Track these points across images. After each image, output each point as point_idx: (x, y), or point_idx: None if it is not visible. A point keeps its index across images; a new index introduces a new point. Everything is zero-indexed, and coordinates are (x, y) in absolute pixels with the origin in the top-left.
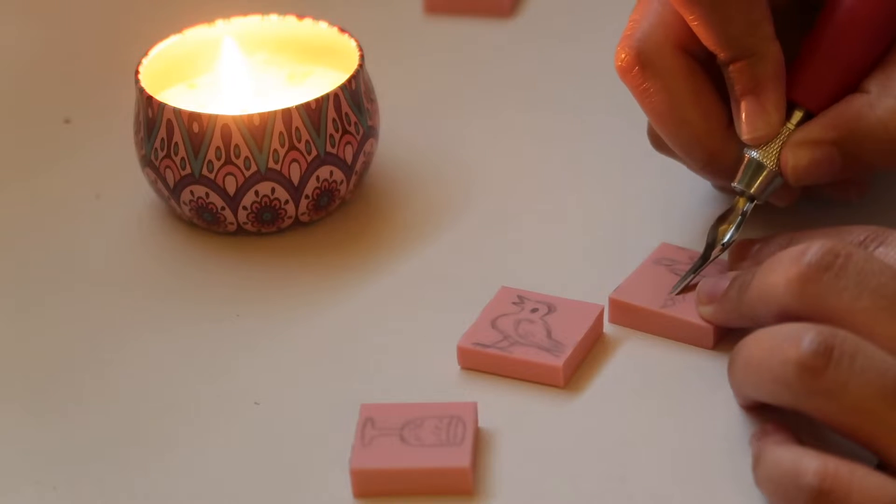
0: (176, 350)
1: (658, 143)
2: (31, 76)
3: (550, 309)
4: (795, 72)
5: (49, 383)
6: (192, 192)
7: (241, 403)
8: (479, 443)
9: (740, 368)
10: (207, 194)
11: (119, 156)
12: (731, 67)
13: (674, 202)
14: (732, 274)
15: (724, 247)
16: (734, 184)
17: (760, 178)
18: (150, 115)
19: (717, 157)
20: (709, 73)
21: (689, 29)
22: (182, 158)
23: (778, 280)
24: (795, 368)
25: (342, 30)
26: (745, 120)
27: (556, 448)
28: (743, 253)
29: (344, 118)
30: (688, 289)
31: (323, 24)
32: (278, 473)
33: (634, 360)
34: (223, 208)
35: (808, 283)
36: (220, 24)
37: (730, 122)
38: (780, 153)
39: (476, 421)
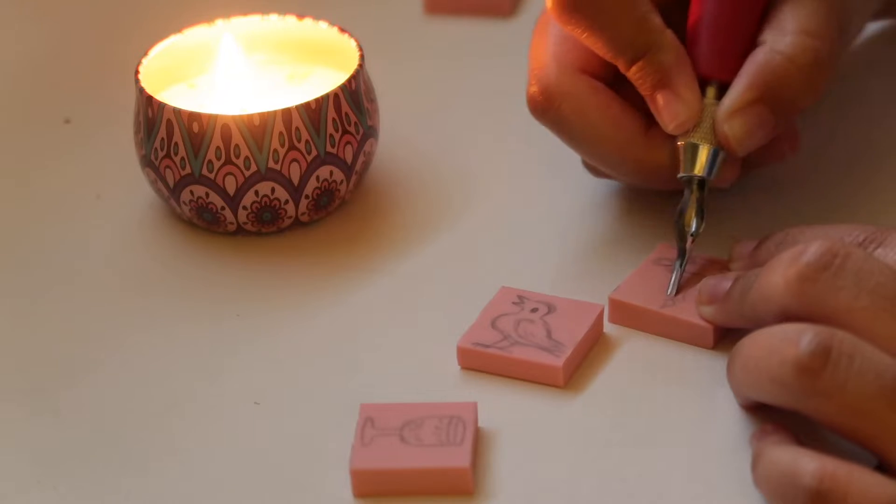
0: (176, 350)
1: (593, 168)
2: (31, 76)
3: (550, 309)
4: (692, 48)
5: (49, 383)
6: (192, 192)
7: (241, 403)
8: (479, 443)
9: (739, 369)
10: (207, 194)
11: (119, 156)
12: (633, 70)
13: (673, 202)
14: (733, 274)
15: (694, 237)
16: (680, 175)
17: (702, 158)
18: (150, 115)
19: (645, 163)
20: (614, 88)
21: (585, 51)
22: (182, 158)
23: (777, 280)
24: (793, 369)
25: (342, 30)
26: (664, 112)
27: (556, 448)
28: (742, 252)
29: (344, 118)
30: (682, 288)
31: (323, 24)
32: (278, 473)
33: (634, 360)
34: (223, 208)
35: (807, 283)
36: (220, 24)
37: (647, 126)
38: (713, 129)
39: (476, 421)
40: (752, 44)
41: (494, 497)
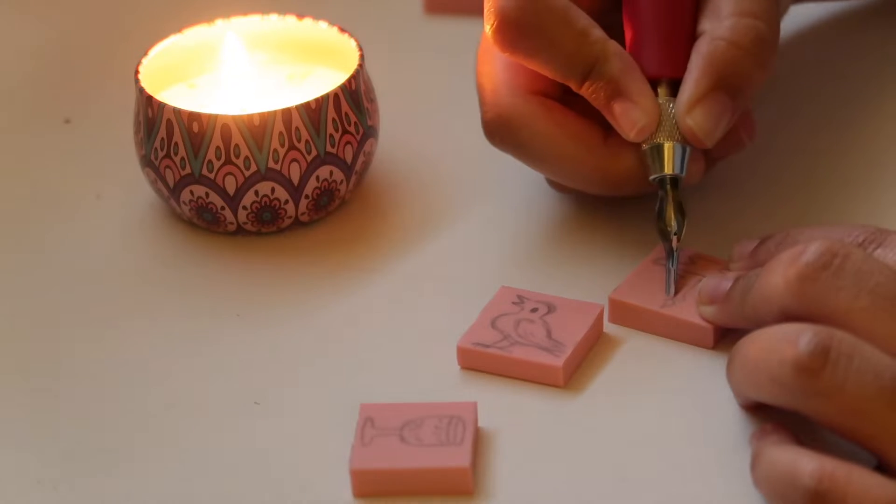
0: (176, 349)
1: (557, 185)
2: (31, 76)
3: (550, 309)
4: (635, 52)
5: (49, 383)
6: (191, 192)
7: (241, 403)
8: (479, 443)
9: (738, 368)
10: (207, 194)
11: (119, 156)
12: (584, 87)
13: None
14: (733, 274)
15: (679, 236)
16: (651, 177)
17: (668, 156)
18: (150, 114)
19: (610, 173)
20: (567, 103)
21: (533, 72)
22: (182, 158)
23: (777, 280)
24: (793, 369)
25: (342, 30)
26: (622, 121)
27: (556, 448)
28: (742, 252)
29: (344, 118)
30: (681, 287)
31: (323, 24)
32: (278, 473)
33: (634, 360)
34: (223, 208)
35: (807, 283)
36: (220, 24)
37: (606, 136)
38: (675, 126)
39: (476, 421)
40: (693, 36)
41: (494, 497)
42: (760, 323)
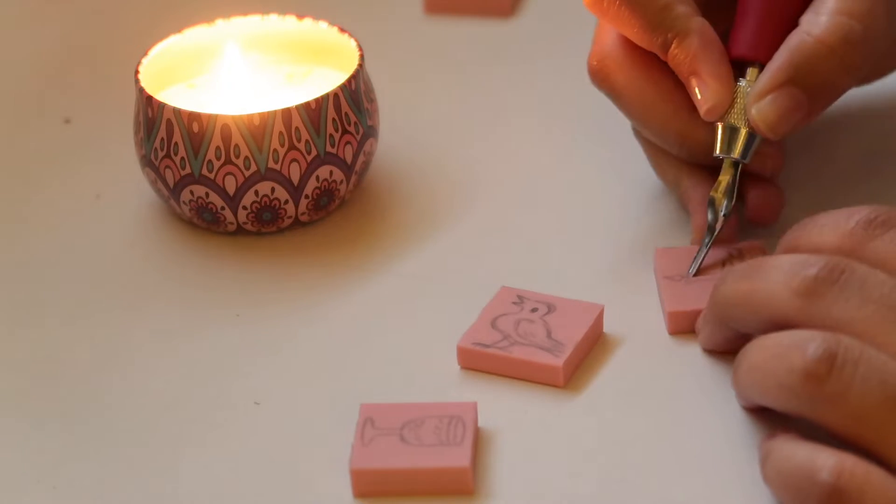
0: (176, 350)
1: (640, 135)
2: (31, 76)
3: (550, 309)
4: (737, 31)
5: (49, 383)
6: (191, 192)
7: (241, 403)
8: (479, 443)
9: (746, 374)
10: (207, 194)
11: (119, 156)
12: (668, 56)
13: (674, 201)
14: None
15: (727, 217)
16: (715, 154)
17: (739, 141)
18: (150, 115)
19: (687, 138)
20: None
21: None
22: (182, 158)
23: (777, 288)
24: (800, 375)
25: (342, 30)
26: (695, 98)
27: (556, 448)
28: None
29: (344, 118)
30: (702, 271)
31: (323, 24)
32: (278, 473)
33: (634, 360)
34: (223, 208)
35: (814, 297)
36: (220, 24)
37: (692, 105)
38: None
39: (476, 421)
40: (793, 26)
41: (494, 497)
42: (735, 324)
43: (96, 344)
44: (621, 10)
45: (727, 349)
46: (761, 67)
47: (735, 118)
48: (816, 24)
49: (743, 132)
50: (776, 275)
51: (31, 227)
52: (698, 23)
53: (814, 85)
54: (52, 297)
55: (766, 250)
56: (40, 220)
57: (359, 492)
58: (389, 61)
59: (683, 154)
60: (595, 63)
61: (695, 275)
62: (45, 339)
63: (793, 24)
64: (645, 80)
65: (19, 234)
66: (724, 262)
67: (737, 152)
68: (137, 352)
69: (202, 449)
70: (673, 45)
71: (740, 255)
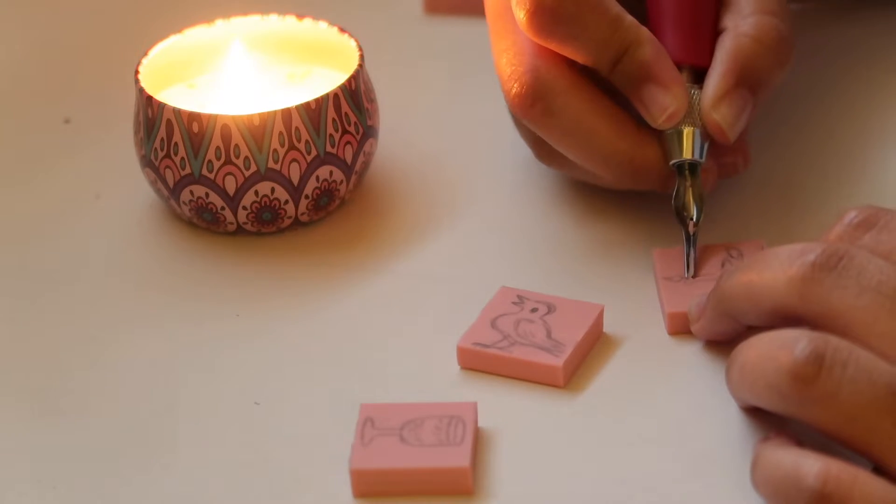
0: (176, 350)
1: (547, 157)
2: (31, 76)
3: (550, 309)
4: (662, 36)
5: (49, 383)
6: (191, 192)
7: (241, 403)
8: (479, 443)
9: (737, 374)
10: (207, 194)
11: (119, 156)
12: (615, 71)
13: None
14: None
15: (697, 221)
16: (671, 162)
17: (689, 142)
18: (150, 115)
19: (635, 160)
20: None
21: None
22: (182, 158)
23: (776, 277)
24: (788, 377)
25: (342, 30)
26: (652, 106)
27: (556, 448)
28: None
29: (344, 118)
30: (701, 271)
31: (323, 24)
32: (278, 473)
33: (634, 360)
34: (223, 208)
35: (812, 284)
36: (220, 24)
37: (637, 124)
38: (697, 114)
39: (476, 421)
40: (714, 26)
41: (494, 497)
42: (743, 318)
43: (95, 344)
44: (568, 32)
45: (725, 340)
46: (690, 70)
47: (683, 122)
48: (747, 24)
49: (690, 132)
50: (775, 264)
51: (31, 227)
52: (646, 32)
53: (758, 83)
54: (52, 297)
55: (767, 248)
56: (40, 220)
57: (359, 492)
58: (389, 61)
59: (625, 177)
60: (522, 89)
61: (694, 276)
62: (44, 338)
63: (712, 25)
64: (586, 101)
65: (19, 234)
66: (723, 262)
67: (693, 153)
68: (137, 351)
69: (202, 449)
70: (625, 57)
71: (740, 255)
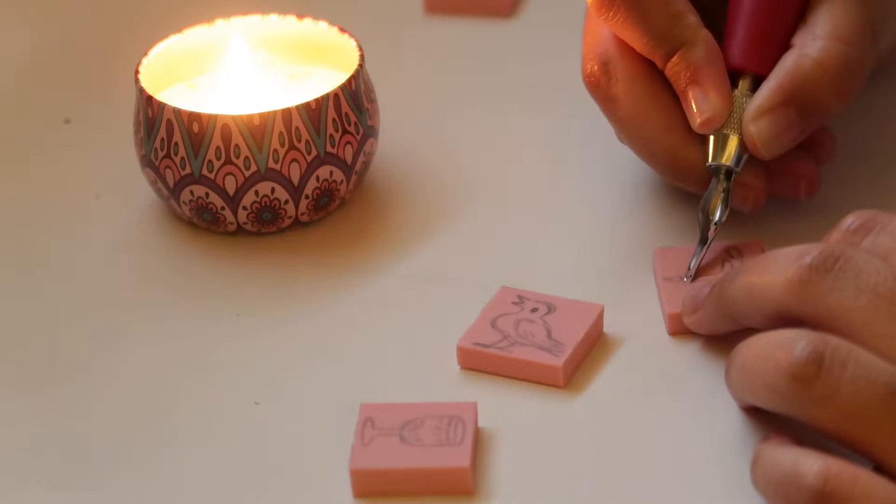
0: (176, 350)
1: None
2: (31, 76)
3: (550, 309)
4: (729, 40)
5: (49, 383)
6: (191, 192)
7: (241, 403)
8: (479, 443)
9: (736, 374)
10: (207, 194)
11: (119, 156)
12: (668, 65)
13: (674, 201)
14: (713, 278)
15: (718, 225)
16: (708, 164)
17: (730, 148)
18: (150, 115)
19: (678, 157)
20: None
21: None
22: (182, 158)
23: (775, 279)
24: (787, 377)
25: (342, 30)
26: (692, 109)
27: (556, 448)
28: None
29: (344, 118)
30: (701, 271)
31: (323, 24)
32: (278, 473)
33: (634, 360)
34: (223, 208)
35: (809, 285)
36: (220, 24)
37: (688, 123)
38: (741, 124)
39: (476, 421)
40: (786, 39)
41: (494, 497)
42: (744, 321)
43: (96, 343)
44: (629, 15)
45: (723, 335)
46: (752, 78)
47: (728, 125)
48: (814, 47)
49: (734, 139)
50: (774, 266)
51: (31, 227)
52: (706, 35)
53: (809, 108)
54: (52, 297)
55: (766, 249)
56: (40, 220)
57: (359, 492)
58: (389, 61)
59: (667, 174)
60: (594, 68)
61: (693, 276)
62: (44, 338)
63: (785, 37)
64: (644, 90)
65: (19, 234)
66: (723, 262)
67: (730, 160)
68: (137, 351)
69: (202, 449)
70: (676, 55)
71: (740, 255)
